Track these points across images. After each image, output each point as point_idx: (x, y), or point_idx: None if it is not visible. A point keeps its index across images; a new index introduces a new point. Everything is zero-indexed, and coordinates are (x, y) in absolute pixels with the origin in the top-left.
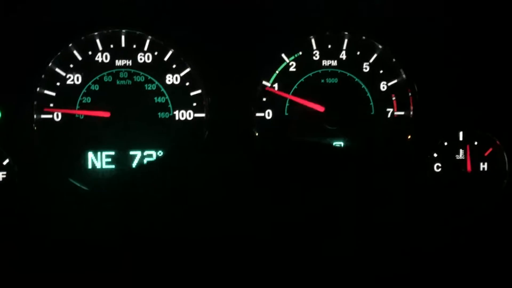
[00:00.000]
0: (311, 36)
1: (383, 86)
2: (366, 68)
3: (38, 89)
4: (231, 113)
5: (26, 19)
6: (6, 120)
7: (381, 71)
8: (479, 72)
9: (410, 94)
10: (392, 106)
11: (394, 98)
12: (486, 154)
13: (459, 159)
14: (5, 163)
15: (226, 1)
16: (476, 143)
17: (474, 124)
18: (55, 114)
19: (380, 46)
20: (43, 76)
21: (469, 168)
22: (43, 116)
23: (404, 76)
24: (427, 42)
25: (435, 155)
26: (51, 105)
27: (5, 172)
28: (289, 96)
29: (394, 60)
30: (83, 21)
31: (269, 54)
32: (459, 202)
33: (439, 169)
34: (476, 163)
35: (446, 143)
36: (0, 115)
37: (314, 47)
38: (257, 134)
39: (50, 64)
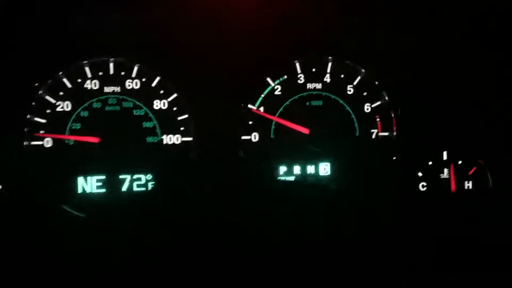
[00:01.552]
0: (296, 60)
1: (367, 108)
2: (350, 91)
3: (28, 116)
4: (218, 137)
5: (18, 48)
6: None
7: (364, 93)
8: (462, 92)
9: (393, 115)
10: (376, 127)
11: (378, 120)
12: (470, 173)
13: (444, 178)
14: None
15: (212, 28)
16: (460, 162)
17: (458, 143)
18: (45, 140)
19: (363, 70)
20: (33, 103)
21: (453, 187)
22: (33, 142)
23: (386, 98)
24: (409, 65)
25: (420, 174)
26: (42, 131)
27: None
28: (275, 118)
29: (376, 82)
30: (73, 50)
31: (255, 78)
32: (444, 221)
33: (425, 188)
34: (460, 182)
35: (430, 163)
36: None
37: (299, 70)
38: (242, 155)
39: (40, 92)
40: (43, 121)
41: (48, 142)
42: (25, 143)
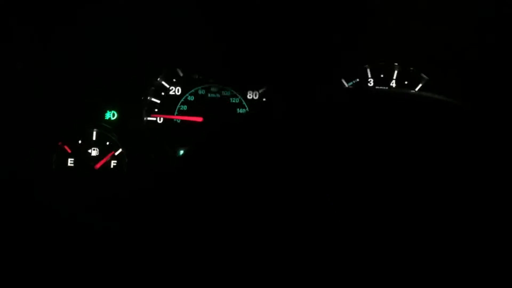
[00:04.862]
0: (366, 65)
1: None
2: None
3: (148, 97)
4: None
5: (142, 41)
6: (122, 119)
7: None
8: None
9: None
10: None
11: None
12: None
13: None
14: (117, 153)
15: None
16: None
17: None
18: (158, 118)
19: (425, 77)
20: (152, 87)
21: None
22: (149, 118)
23: None
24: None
25: None
26: (156, 110)
27: (116, 161)
28: None
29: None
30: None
31: (330, 80)
32: None
33: None
34: None
35: None
36: (117, 115)
37: (369, 75)
38: None
39: (158, 79)
40: (158, 101)
41: (160, 119)
42: (144, 118)
